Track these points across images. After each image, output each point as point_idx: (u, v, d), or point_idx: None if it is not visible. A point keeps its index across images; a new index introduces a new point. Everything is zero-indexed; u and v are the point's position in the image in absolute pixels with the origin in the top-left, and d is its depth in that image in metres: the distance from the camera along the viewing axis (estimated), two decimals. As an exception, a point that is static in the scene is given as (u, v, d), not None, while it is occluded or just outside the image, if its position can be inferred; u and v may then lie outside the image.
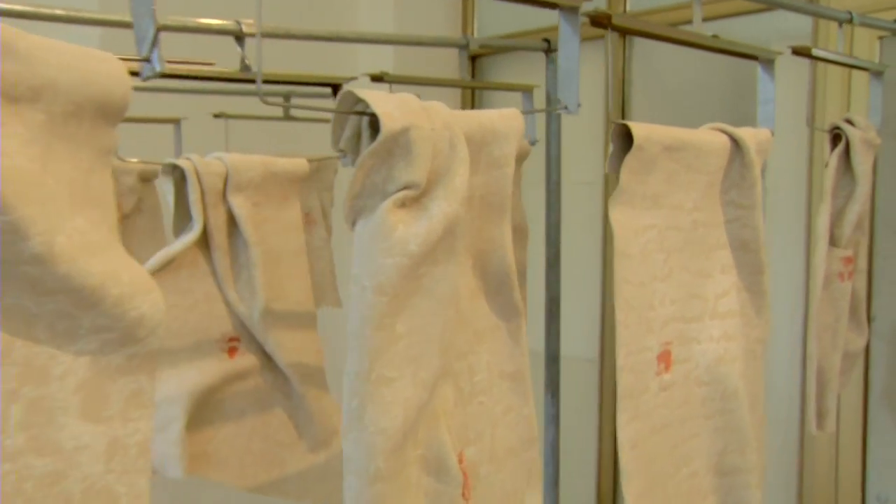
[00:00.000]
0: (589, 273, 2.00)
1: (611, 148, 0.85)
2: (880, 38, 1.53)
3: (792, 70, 1.76)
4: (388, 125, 0.59)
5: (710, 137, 0.97)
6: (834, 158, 1.25)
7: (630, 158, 0.85)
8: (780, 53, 1.09)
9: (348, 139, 0.61)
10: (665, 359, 0.94)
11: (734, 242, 1.04)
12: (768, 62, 1.08)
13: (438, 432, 0.65)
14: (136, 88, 0.64)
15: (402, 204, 0.61)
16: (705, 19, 1.85)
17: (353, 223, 0.62)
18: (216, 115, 1.94)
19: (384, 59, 2.35)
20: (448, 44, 1.33)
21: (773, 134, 1.08)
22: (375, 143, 0.59)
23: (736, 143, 1.00)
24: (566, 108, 0.77)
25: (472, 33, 2.53)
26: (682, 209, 0.95)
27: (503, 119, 0.69)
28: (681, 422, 0.96)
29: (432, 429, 0.65)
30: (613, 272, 0.87)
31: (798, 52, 1.12)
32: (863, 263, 1.34)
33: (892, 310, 1.44)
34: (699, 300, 0.99)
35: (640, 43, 2.18)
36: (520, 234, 1.51)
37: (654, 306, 0.92)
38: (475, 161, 0.68)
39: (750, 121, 1.62)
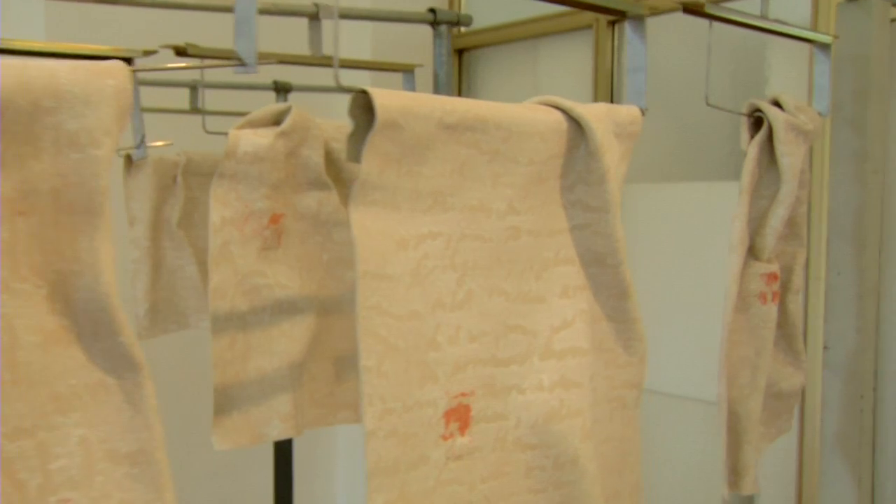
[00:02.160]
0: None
1: (350, 126, 0.61)
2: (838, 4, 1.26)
3: (796, 54, 1.50)
4: None
5: (533, 115, 0.72)
6: (753, 148, 0.99)
7: (379, 140, 0.61)
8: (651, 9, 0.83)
9: None
10: (460, 416, 0.69)
11: (585, 256, 0.79)
12: (637, 20, 0.82)
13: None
14: None
15: None
16: None
17: None
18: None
19: (362, 43, 2.15)
20: (292, 12, 1.09)
21: (643, 112, 0.82)
22: None
23: (577, 123, 0.75)
24: (243, 64, 0.53)
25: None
26: (489, 211, 0.70)
27: (79, 74, 0.45)
28: (487, 501, 0.71)
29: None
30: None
31: (689, 9, 0.87)
32: (799, 281, 1.07)
33: (847, 337, 1.17)
34: (523, 334, 0.74)
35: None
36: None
37: (438, 345, 0.67)
38: (28, 138, 0.45)
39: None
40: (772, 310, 1.00)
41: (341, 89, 0.59)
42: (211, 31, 1.21)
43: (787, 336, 1.08)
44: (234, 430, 1.07)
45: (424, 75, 1.30)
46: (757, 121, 1.00)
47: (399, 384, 0.64)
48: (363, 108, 0.61)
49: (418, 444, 0.66)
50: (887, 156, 1.16)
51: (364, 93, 0.60)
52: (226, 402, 1.07)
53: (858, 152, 1.16)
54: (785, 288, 1.07)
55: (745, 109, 1.00)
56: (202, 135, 1.30)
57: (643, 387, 0.84)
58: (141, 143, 0.99)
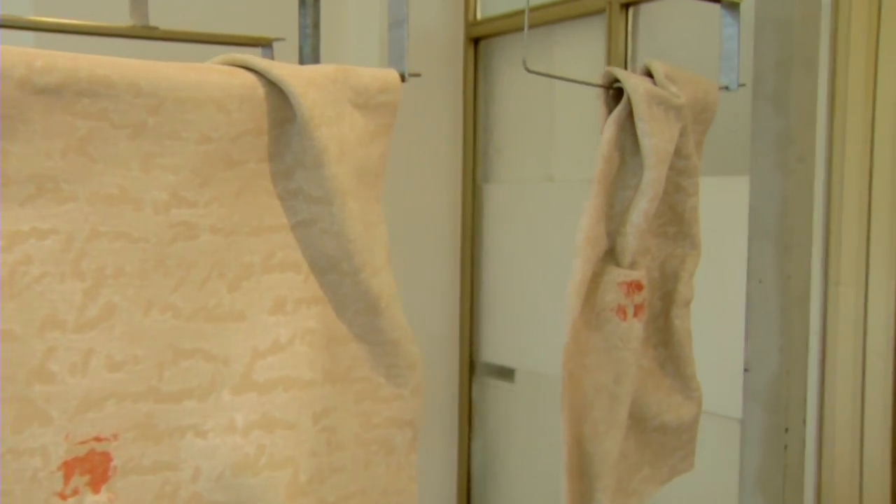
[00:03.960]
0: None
1: None
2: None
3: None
4: None
5: (203, 78, 0.55)
6: (610, 127, 0.80)
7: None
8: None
9: None
10: (91, 467, 0.53)
11: (318, 260, 0.62)
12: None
13: None
14: None
15: None
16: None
17: None
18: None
19: (371, 33, 2.04)
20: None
21: (403, 78, 0.65)
22: None
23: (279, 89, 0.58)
24: None
25: (476, 11, 2.27)
26: (139, 203, 0.54)
27: None
28: (140, 575, 0.55)
29: None
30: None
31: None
32: (688, 291, 0.88)
33: (770, 357, 0.96)
34: (205, 361, 0.58)
35: (645, 15, 1.80)
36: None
37: (50, 375, 0.52)
38: None
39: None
40: (634, 327, 0.81)
41: None
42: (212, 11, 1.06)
43: (674, 358, 0.88)
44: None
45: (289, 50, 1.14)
46: (618, 94, 0.82)
47: (-25, 428, 0.49)
48: None
49: (15, 504, 0.50)
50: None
51: None
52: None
53: (782, 136, 0.95)
54: (670, 299, 0.88)
55: (601, 79, 0.82)
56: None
57: (420, 425, 0.67)
58: None
